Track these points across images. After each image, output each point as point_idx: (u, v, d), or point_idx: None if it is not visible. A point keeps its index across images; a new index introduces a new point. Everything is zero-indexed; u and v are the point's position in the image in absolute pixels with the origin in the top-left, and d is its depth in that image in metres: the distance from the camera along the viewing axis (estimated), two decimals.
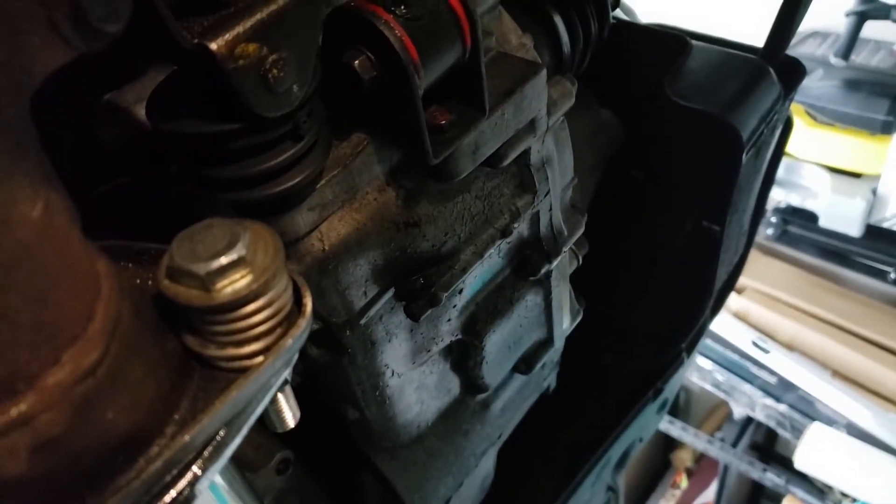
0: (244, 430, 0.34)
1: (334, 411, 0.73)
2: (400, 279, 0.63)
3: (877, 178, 2.78)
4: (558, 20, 0.81)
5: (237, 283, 0.32)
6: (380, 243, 0.59)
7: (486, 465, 0.93)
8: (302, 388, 0.71)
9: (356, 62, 0.47)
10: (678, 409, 3.78)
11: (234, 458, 0.72)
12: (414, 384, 0.74)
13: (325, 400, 0.73)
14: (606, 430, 1.12)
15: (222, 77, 0.39)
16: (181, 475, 0.31)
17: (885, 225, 2.87)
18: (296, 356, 0.36)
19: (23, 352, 0.27)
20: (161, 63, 0.56)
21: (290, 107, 0.44)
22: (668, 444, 3.98)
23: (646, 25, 1.17)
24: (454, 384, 0.80)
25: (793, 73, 1.07)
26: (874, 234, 2.93)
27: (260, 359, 0.34)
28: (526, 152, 0.66)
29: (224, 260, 0.32)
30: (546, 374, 0.96)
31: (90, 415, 0.30)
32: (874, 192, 2.79)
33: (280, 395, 0.39)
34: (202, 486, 0.32)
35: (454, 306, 0.71)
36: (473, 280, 0.72)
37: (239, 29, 0.38)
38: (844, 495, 2.63)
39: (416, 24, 0.47)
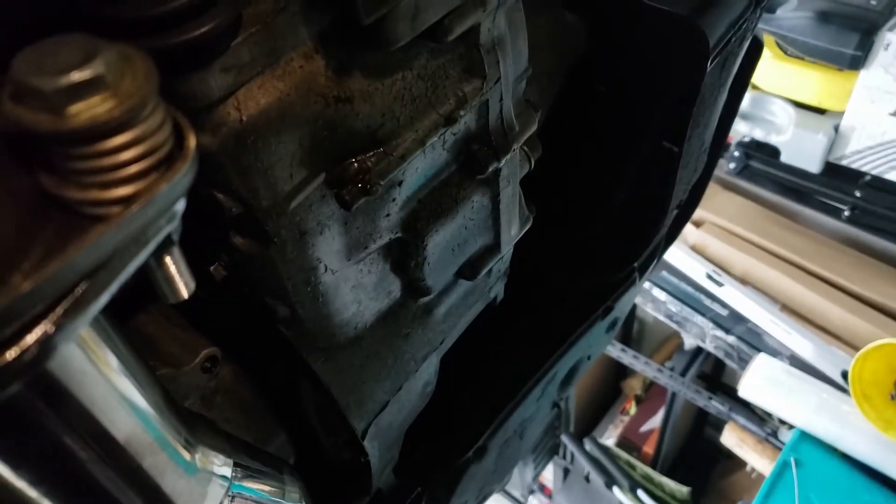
0: (112, 288, 0.30)
1: (264, 309, 0.69)
2: (331, 164, 0.57)
3: (841, 114, 2.77)
4: None
5: (96, 107, 0.27)
6: (306, 119, 0.53)
7: (428, 372, 0.90)
8: (229, 282, 0.67)
9: None
10: (631, 339, 3.86)
11: (152, 354, 0.68)
12: (350, 282, 0.69)
13: (254, 297, 0.68)
14: (554, 344, 1.11)
15: None
16: (26, 330, 0.27)
17: (844, 162, 2.88)
18: (179, 209, 0.31)
19: None
20: None
21: None
22: (619, 373, 4.09)
23: None
24: (395, 286, 0.76)
25: None
26: (832, 171, 2.95)
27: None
28: (475, 29, 0.60)
29: (77, 76, 0.26)
30: (492, 283, 0.93)
31: None
32: (836, 128, 2.79)
33: (168, 258, 0.34)
34: (58, 347, 0.28)
35: (393, 200, 0.66)
36: (415, 173, 0.67)
37: None
38: (782, 422, 2.73)
39: None
